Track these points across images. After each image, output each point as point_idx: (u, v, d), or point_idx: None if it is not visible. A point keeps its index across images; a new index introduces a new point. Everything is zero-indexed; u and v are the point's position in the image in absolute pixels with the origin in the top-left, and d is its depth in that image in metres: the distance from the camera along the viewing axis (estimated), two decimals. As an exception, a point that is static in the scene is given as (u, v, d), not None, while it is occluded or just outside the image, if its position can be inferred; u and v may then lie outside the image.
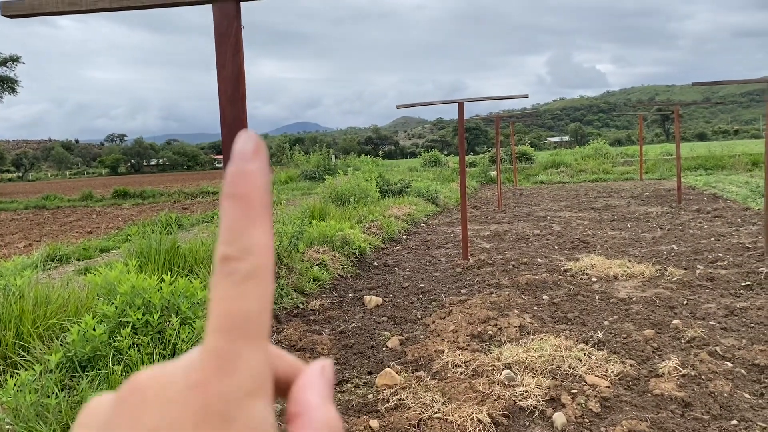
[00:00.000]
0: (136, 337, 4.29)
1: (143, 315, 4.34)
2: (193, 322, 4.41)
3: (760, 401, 4.18)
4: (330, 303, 7.50)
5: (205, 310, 4.87)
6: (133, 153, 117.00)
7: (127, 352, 4.18)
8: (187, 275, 6.58)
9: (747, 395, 4.29)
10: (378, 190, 16.46)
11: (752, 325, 5.78)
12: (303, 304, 7.31)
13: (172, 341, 4.23)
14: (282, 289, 7.22)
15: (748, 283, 7.25)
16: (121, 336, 4.17)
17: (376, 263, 9.95)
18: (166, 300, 4.47)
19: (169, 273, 5.28)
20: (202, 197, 25.64)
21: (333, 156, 27.08)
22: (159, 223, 11.57)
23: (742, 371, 4.69)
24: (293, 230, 7.80)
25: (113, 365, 4.09)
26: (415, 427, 4.04)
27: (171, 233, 8.76)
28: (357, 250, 9.83)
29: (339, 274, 8.91)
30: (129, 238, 9.13)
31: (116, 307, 4.39)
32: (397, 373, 4.88)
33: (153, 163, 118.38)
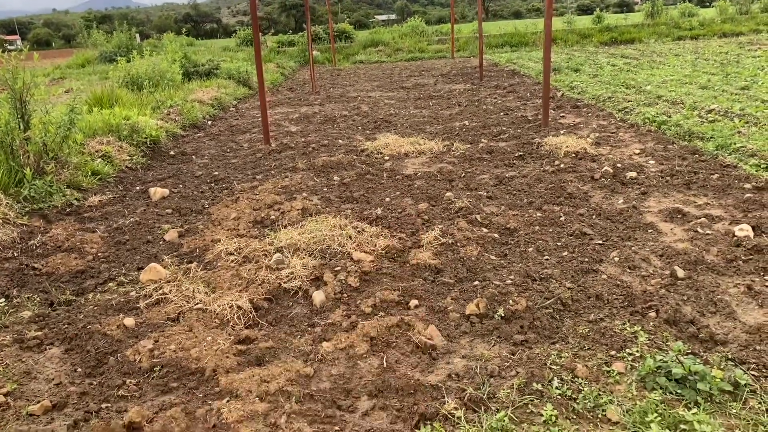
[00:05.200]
0: None
1: None
2: None
3: (502, 262, 4.60)
4: (112, 198, 6.99)
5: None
6: None
7: None
8: None
9: (493, 257, 4.69)
10: (182, 72, 15.34)
11: (514, 192, 6.29)
12: (78, 201, 6.74)
13: None
14: (51, 186, 6.56)
15: (521, 153, 7.84)
16: None
17: (172, 152, 9.39)
18: None
19: None
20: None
21: (137, 35, 24.58)
22: None
23: (495, 235, 5.11)
24: (61, 119, 7.00)
25: None
26: (173, 321, 3.94)
27: None
28: (148, 139, 9.17)
29: (126, 167, 8.31)
30: None
31: None
32: (164, 267, 4.69)
33: None
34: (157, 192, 6.96)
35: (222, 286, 4.30)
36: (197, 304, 4.08)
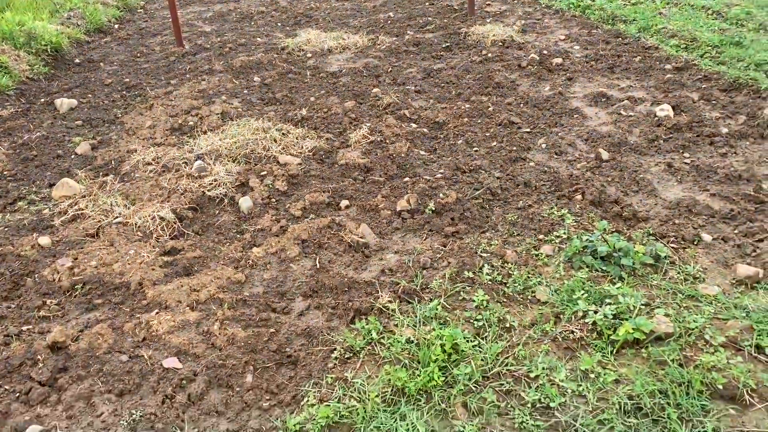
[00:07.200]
0: None
1: None
2: None
3: (431, 156, 4.55)
4: (13, 112, 6.44)
5: None
6: None
7: None
8: None
9: (423, 152, 4.63)
10: (80, -29, 13.95)
11: (442, 84, 6.16)
12: (-25, 117, 6.18)
13: None
14: (-59, 103, 5.97)
15: (448, 44, 7.64)
16: None
17: (77, 60, 8.66)
18: None
19: None
20: None
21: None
22: None
23: (424, 130, 5.02)
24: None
25: None
26: (92, 237, 3.75)
27: None
28: (49, 46, 8.40)
29: (27, 77, 7.62)
30: None
31: None
32: (78, 181, 4.41)
33: None
34: (64, 103, 6.46)
35: (142, 197, 4.09)
36: (117, 217, 3.87)
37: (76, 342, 2.80)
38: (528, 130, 4.90)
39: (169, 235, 3.72)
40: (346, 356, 2.57)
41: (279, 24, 9.93)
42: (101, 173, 4.69)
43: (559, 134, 4.76)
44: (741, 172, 3.94)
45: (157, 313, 2.96)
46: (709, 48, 6.41)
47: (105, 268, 3.34)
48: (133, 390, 2.56)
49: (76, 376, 2.62)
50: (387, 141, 4.79)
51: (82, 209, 4.05)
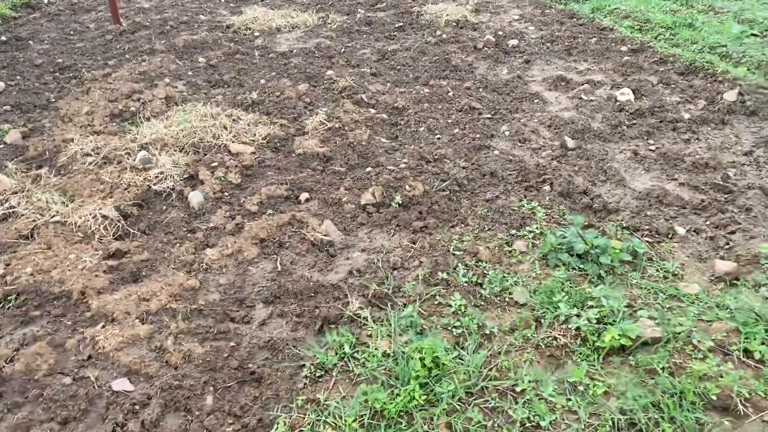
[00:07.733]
0: None
1: None
2: None
3: (393, 144, 4.35)
4: (-69, 96, 5.88)
5: None
6: None
7: None
8: None
9: (384, 140, 4.42)
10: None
11: (398, 67, 5.94)
12: None
13: None
14: None
15: (401, 24, 7.40)
16: None
17: (4, 38, 8.02)
18: None
19: None
20: None
21: None
22: None
23: (384, 116, 4.81)
24: None
25: None
26: (26, 239, 3.40)
27: None
28: (-30, 23, 7.74)
29: (-54, 57, 7.00)
30: None
31: None
32: (8, 175, 4.02)
33: None
34: (-12, 86, 5.93)
35: (81, 193, 3.74)
36: (54, 216, 3.53)
37: (10, 363, 2.51)
38: (489, 116, 4.75)
39: (113, 236, 3.41)
40: (317, 374, 2.37)
41: (222, 0, 9.46)
42: (34, 165, 4.29)
43: (522, 120, 4.63)
44: (707, 159, 3.90)
45: (103, 326, 2.69)
46: (663, 30, 6.40)
47: (42, 276, 3.02)
48: (79, 417, 2.29)
49: (12, 404, 2.34)
50: (346, 128, 4.55)
51: (14, 207, 3.67)
